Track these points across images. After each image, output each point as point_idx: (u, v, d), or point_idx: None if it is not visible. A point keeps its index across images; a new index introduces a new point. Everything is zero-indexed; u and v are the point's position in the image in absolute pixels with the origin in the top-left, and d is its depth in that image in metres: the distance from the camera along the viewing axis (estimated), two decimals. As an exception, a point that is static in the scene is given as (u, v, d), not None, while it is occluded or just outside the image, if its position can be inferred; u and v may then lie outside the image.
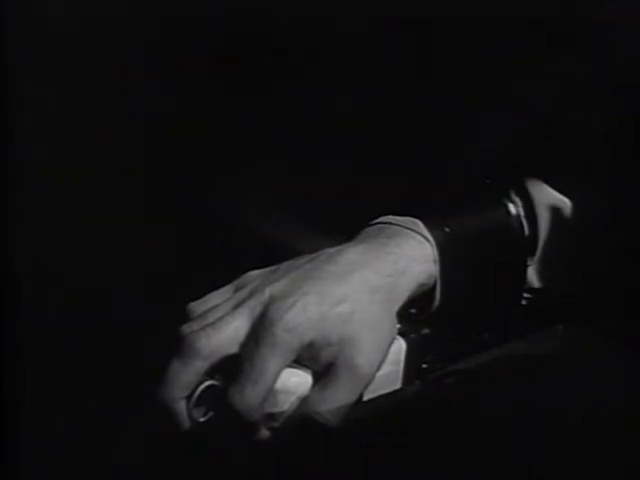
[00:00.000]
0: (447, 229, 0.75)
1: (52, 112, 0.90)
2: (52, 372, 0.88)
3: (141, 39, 0.89)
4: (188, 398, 0.70)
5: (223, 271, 0.75)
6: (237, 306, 0.71)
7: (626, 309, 0.78)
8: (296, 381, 0.70)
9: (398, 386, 0.73)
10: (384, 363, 0.72)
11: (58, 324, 0.89)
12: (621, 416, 0.71)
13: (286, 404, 0.70)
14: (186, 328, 0.71)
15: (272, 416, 0.70)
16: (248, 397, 0.68)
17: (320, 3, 0.85)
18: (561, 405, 0.72)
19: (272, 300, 0.70)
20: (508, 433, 0.70)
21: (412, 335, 0.74)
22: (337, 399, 0.69)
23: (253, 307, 0.70)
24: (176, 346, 0.70)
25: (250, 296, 0.71)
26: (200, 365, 0.69)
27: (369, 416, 0.71)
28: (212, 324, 0.70)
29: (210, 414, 0.70)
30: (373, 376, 0.71)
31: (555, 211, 0.78)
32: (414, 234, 0.74)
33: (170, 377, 0.69)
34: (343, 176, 0.86)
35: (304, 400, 0.70)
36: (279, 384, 0.69)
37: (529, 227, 0.78)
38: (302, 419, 0.70)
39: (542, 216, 0.78)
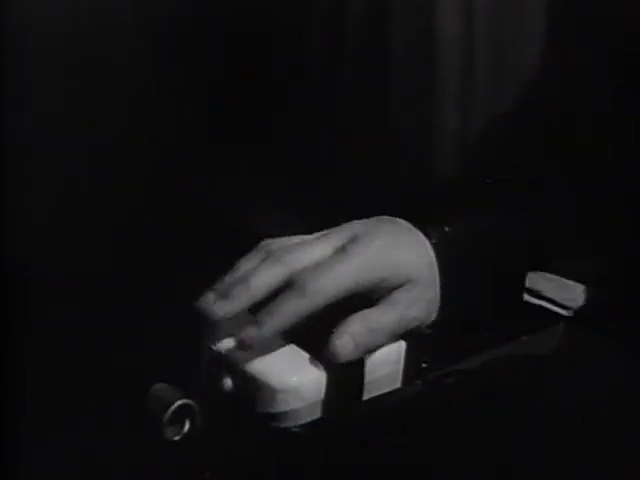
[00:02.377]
0: (447, 228, 0.75)
1: (51, 112, 0.90)
2: (52, 371, 0.88)
3: (142, 40, 0.89)
4: (161, 418, 0.69)
5: (223, 270, 0.74)
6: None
7: (626, 309, 0.78)
8: (296, 381, 0.70)
9: (398, 386, 0.73)
10: (384, 363, 0.72)
11: (57, 323, 0.89)
12: (621, 416, 0.71)
13: (285, 404, 0.70)
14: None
15: (272, 416, 0.70)
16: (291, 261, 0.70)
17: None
18: (561, 405, 0.72)
19: (355, 236, 0.72)
20: (508, 433, 0.70)
21: (412, 335, 0.74)
22: (385, 323, 0.72)
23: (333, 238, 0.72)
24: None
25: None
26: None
27: (369, 416, 0.71)
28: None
29: (184, 433, 0.70)
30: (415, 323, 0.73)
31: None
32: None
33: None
34: (342, 176, 0.86)
35: (356, 316, 0.71)
36: (279, 384, 0.69)
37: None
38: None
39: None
